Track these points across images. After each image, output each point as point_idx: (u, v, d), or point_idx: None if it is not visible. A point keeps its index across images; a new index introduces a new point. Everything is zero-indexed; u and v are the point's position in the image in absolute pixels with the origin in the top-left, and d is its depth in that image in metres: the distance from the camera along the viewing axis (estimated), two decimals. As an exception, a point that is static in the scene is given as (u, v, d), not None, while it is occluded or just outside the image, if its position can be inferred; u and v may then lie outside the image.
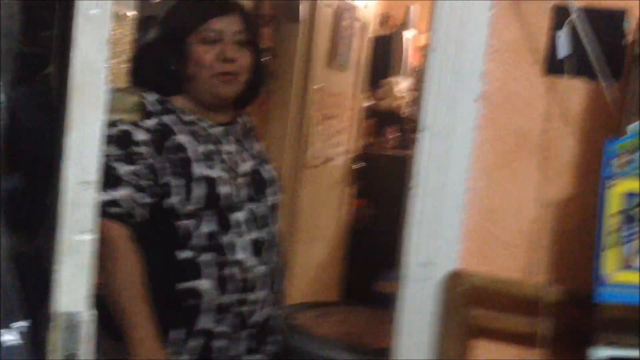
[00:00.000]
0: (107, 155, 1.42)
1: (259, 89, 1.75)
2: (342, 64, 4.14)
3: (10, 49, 1.03)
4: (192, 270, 1.52)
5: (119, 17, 2.22)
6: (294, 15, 3.58)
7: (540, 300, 1.49)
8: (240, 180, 1.60)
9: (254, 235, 1.59)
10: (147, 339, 1.46)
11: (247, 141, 1.71)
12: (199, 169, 1.53)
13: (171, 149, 1.53)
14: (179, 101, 1.62)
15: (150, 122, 1.53)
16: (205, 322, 1.52)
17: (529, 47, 1.54)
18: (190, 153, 1.54)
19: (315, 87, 3.81)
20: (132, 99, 1.39)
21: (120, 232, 1.47)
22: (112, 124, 1.46)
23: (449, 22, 1.52)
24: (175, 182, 1.52)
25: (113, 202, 1.46)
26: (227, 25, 1.59)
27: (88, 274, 1.01)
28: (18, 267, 1.05)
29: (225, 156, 1.60)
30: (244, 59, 1.62)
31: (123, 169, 1.48)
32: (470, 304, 1.56)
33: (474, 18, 1.52)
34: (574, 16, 1.44)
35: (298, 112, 3.74)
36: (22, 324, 0.97)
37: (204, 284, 1.51)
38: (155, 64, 1.61)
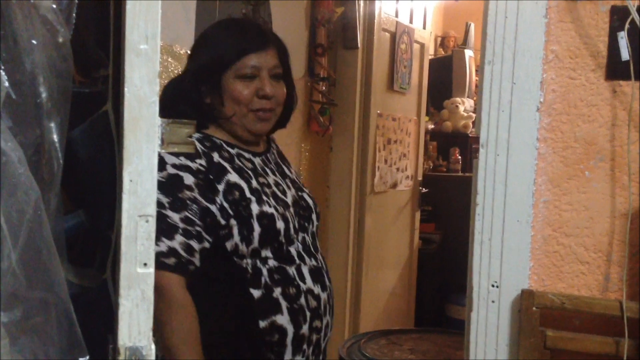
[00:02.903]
0: (159, 203, 1.38)
1: (288, 119, 1.73)
2: (402, 88, 4.12)
3: (66, 89, 1.05)
4: (270, 305, 1.50)
5: (178, 56, 2.27)
6: (351, 43, 3.59)
7: (621, 319, 1.40)
8: (290, 211, 1.59)
9: (311, 263, 1.59)
10: None
11: (283, 167, 1.71)
12: (256, 207, 1.51)
13: (227, 189, 1.51)
14: (217, 133, 1.59)
15: (201, 162, 1.51)
16: (291, 355, 1.52)
17: (589, 50, 1.48)
18: (247, 191, 1.52)
19: (377, 112, 3.80)
20: (187, 131, 1.39)
21: (175, 283, 1.43)
22: (160, 165, 1.42)
23: (503, 31, 1.48)
24: (235, 222, 1.50)
25: (169, 252, 1.42)
26: (264, 61, 1.57)
27: (149, 307, 1.00)
28: (84, 302, 1.07)
29: (273, 188, 1.59)
30: (279, 93, 1.61)
31: (176, 216, 1.44)
32: (545, 324, 1.49)
33: (528, 25, 1.48)
34: (634, 16, 1.38)
35: (361, 138, 3.74)
36: (85, 359, 0.97)
37: (284, 318, 1.51)
38: (189, 97, 1.58)
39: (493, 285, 1.53)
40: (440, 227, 4.75)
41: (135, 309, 0.99)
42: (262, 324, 1.49)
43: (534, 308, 1.49)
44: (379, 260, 3.96)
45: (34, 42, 0.95)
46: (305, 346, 1.54)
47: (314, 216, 1.67)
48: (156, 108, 1.01)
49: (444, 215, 4.69)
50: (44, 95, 0.99)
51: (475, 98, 4.96)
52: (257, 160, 1.62)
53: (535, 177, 1.52)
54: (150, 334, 0.99)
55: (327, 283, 1.63)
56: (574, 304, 1.49)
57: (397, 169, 4.14)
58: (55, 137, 1.01)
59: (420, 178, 4.46)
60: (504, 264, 1.53)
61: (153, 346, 0.97)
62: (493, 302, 1.54)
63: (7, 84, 0.90)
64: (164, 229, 1.42)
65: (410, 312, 4.43)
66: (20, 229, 0.89)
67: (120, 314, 0.98)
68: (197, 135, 1.54)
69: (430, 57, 4.70)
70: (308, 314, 1.54)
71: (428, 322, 4.35)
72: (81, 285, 1.11)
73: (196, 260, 1.46)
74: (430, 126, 4.95)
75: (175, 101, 1.59)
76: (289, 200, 1.61)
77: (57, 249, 0.96)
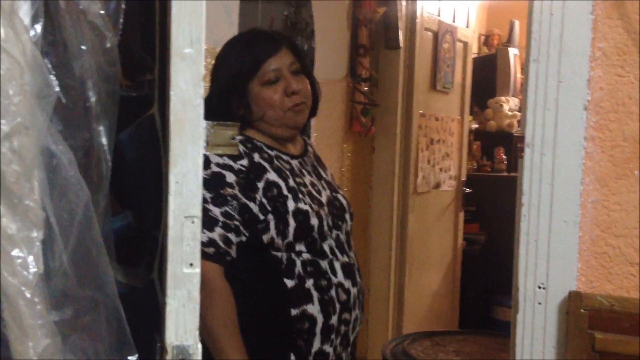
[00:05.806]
0: (202, 197, 1.49)
1: (317, 108, 1.81)
2: (445, 87, 4.09)
3: (114, 93, 1.07)
4: (302, 295, 1.58)
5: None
6: (393, 42, 3.58)
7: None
8: (324, 209, 1.67)
9: (343, 259, 1.66)
10: None
11: (319, 169, 1.80)
12: (292, 204, 1.60)
13: (266, 187, 1.60)
14: (257, 136, 1.68)
15: (243, 162, 1.59)
16: (319, 343, 1.60)
17: (638, 47, 1.44)
18: (284, 189, 1.61)
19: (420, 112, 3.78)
20: (231, 133, 1.42)
21: (215, 271, 1.53)
22: (205, 164, 1.51)
23: (548, 29, 1.46)
24: (272, 217, 1.58)
25: (208, 243, 1.52)
26: (281, 62, 1.65)
27: (195, 307, 1.02)
28: (132, 301, 1.09)
29: (309, 188, 1.67)
30: (304, 85, 1.69)
31: (217, 210, 1.54)
32: (593, 326, 1.46)
33: (574, 22, 1.45)
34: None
35: (404, 139, 3.72)
36: (134, 357, 0.99)
37: (314, 308, 1.59)
38: (222, 112, 1.63)
39: (539, 287, 1.51)
40: (484, 227, 4.70)
41: (181, 309, 1.01)
42: (294, 312, 1.57)
43: (582, 310, 1.46)
44: (422, 261, 3.94)
45: (83, 47, 0.97)
46: (333, 336, 1.61)
47: (347, 216, 1.75)
48: (201, 110, 1.03)
49: (488, 216, 4.64)
50: (92, 99, 1.01)
51: (519, 97, 4.89)
52: (294, 162, 1.71)
53: (583, 176, 1.49)
54: (197, 332, 1.00)
55: (358, 279, 1.70)
56: (624, 306, 1.45)
57: (440, 169, 4.11)
58: (103, 140, 1.03)
59: (463, 178, 4.42)
60: (551, 265, 1.50)
61: (199, 345, 0.99)
62: (539, 303, 1.51)
63: (57, 88, 0.92)
64: (206, 221, 1.51)
65: (454, 313, 4.39)
66: (71, 229, 0.92)
67: (167, 313, 1.00)
68: (239, 137, 1.63)
69: (473, 55, 4.65)
70: (338, 306, 1.61)
71: (473, 323, 4.31)
72: (129, 285, 1.13)
73: (232, 251, 1.56)
74: (474, 126, 4.90)
75: (210, 117, 1.68)
76: (324, 199, 1.69)
77: (106, 249, 0.98)
